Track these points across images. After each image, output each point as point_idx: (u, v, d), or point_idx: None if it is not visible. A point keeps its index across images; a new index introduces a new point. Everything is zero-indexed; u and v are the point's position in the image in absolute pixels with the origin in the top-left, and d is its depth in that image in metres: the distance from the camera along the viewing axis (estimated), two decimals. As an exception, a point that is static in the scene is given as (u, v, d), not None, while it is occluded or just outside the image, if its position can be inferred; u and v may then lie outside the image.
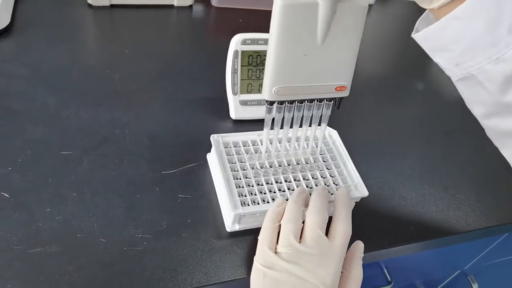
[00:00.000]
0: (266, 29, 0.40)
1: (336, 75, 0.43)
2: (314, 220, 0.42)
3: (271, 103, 0.44)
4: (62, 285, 0.40)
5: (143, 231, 0.45)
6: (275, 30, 0.39)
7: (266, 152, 0.49)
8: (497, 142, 0.39)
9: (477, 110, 0.38)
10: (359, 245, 0.45)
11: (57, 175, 0.48)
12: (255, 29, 0.54)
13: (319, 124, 0.48)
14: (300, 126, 0.47)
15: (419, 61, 0.79)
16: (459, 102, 0.41)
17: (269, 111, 0.45)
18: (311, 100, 0.45)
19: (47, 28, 0.69)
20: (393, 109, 0.69)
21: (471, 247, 0.77)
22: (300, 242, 0.41)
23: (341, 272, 0.42)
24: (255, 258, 0.42)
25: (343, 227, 0.43)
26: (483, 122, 0.39)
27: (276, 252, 0.41)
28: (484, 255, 0.80)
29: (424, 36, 0.37)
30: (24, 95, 0.57)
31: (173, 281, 0.42)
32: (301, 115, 0.46)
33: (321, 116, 0.47)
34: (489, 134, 0.39)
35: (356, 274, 0.43)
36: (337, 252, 0.42)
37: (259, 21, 0.73)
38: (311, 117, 0.47)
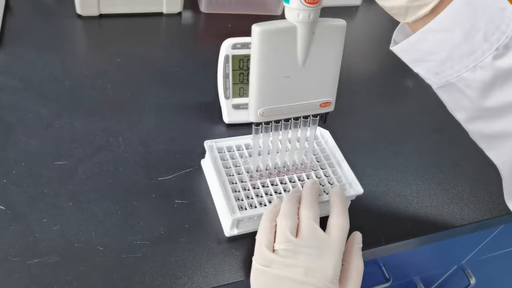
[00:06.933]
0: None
1: (320, 92, 0.44)
2: (307, 214, 0.43)
3: (257, 124, 0.44)
4: (61, 295, 0.40)
5: (141, 237, 0.45)
6: (256, 56, 0.39)
7: (257, 170, 0.49)
8: (482, 145, 0.40)
9: (459, 115, 0.38)
10: (357, 235, 0.46)
11: (52, 186, 0.48)
12: (245, 34, 0.54)
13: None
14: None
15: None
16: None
17: (256, 131, 0.45)
18: (297, 118, 0.45)
19: (37, 39, 0.69)
20: (384, 107, 0.70)
21: (467, 241, 0.77)
22: (296, 237, 0.42)
23: (342, 265, 0.42)
24: (254, 258, 0.42)
25: (339, 220, 0.43)
26: (467, 127, 0.39)
27: (274, 251, 0.41)
28: (480, 249, 0.80)
29: (402, 49, 0.37)
30: (16, 107, 0.57)
31: (172, 286, 0.42)
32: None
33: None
34: (474, 137, 0.40)
35: (357, 264, 0.43)
36: (334, 244, 0.42)
37: (248, 25, 0.73)
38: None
